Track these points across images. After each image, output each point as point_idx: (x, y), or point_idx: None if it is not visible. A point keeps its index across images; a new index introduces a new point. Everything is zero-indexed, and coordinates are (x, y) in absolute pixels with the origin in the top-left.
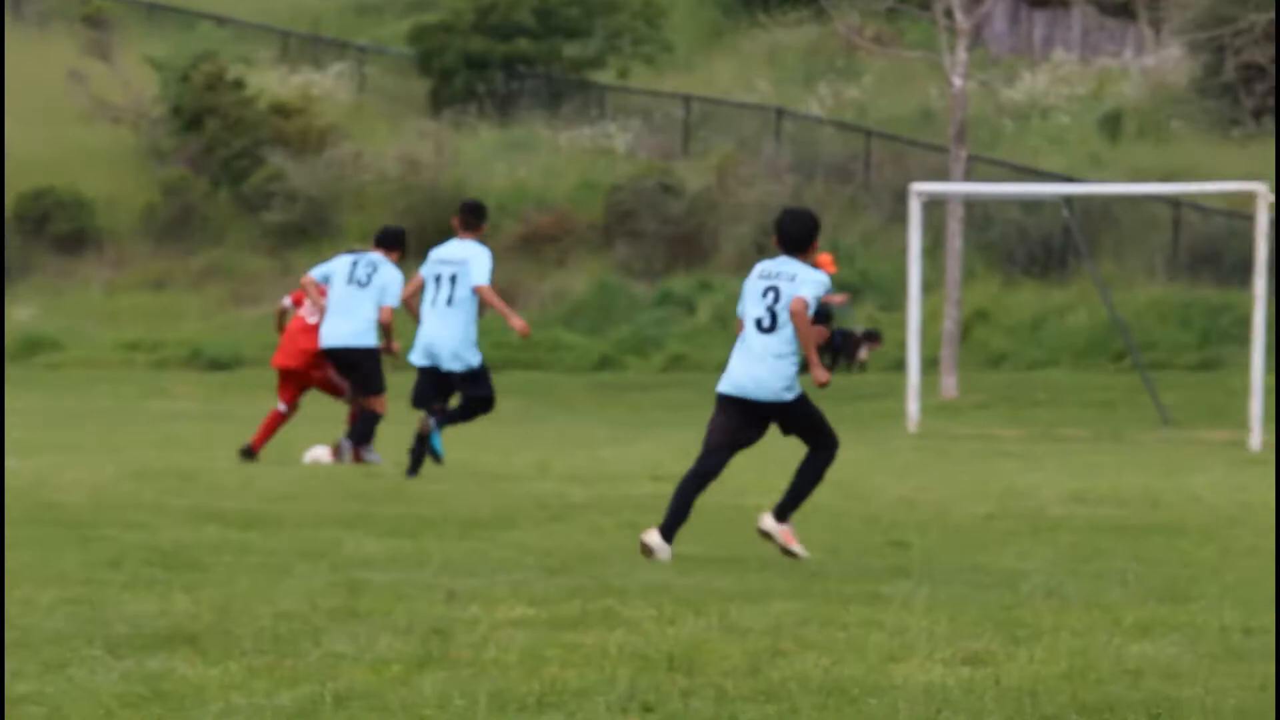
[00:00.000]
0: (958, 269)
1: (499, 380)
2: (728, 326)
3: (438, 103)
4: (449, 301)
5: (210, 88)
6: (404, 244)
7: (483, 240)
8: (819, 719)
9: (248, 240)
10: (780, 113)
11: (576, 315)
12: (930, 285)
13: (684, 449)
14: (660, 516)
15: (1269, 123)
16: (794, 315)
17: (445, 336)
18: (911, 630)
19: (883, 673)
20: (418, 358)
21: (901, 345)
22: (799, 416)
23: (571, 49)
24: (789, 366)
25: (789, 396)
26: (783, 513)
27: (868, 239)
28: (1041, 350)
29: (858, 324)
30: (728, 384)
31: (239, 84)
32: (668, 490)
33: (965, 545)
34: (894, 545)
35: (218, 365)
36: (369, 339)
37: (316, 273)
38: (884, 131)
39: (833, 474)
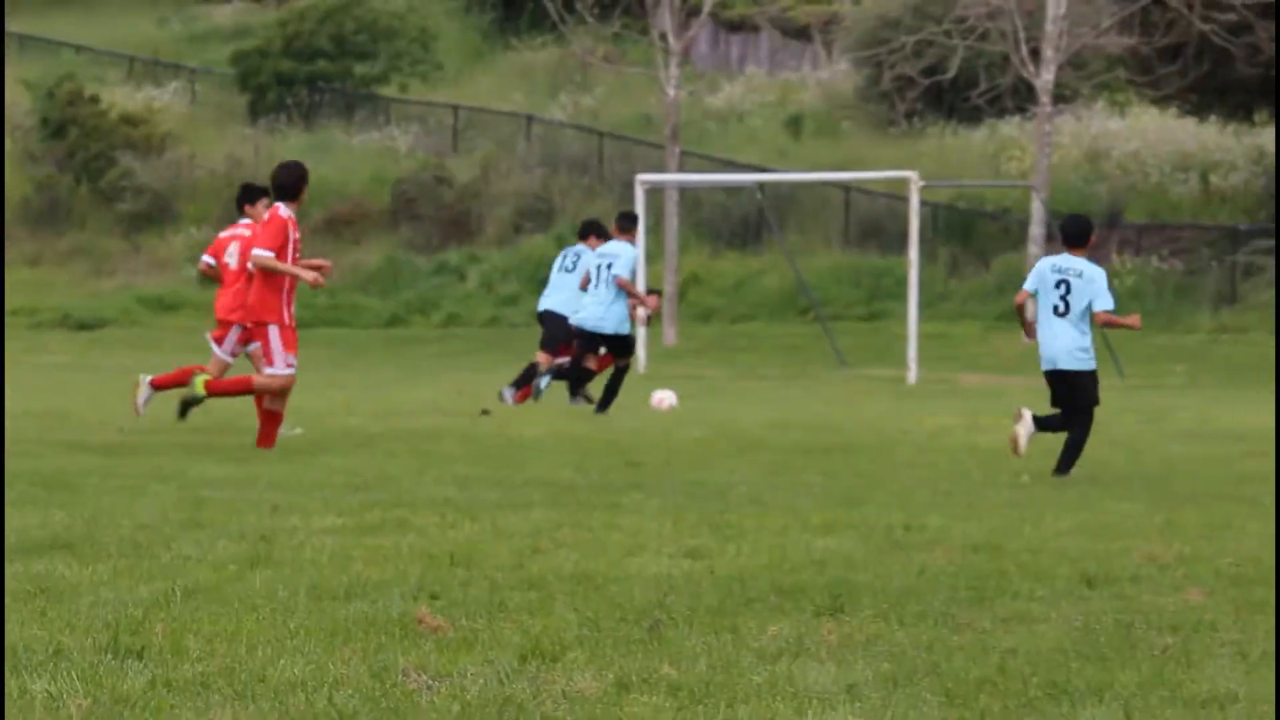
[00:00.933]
0: (675, 242)
1: (310, 335)
2: (493, 290)
3: (255, 113)
4: (608, 284)
5: (71, 103)
6: (600, 230)
7: (632, 241)
8: (571, 603)
9: (105, 226)
10: (530, 119)
11: (370, 283)
12: (653, 256)
13: (457, 389)
14: (439, 442)
15: (919, 123)
16: (1103, 324)
17: (597, 308)
18: (644, 531)
19: (621, 565)
20: (575, 320)
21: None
22: (1085, 385)
23: (362, 68)
24: (1084, 339)
25: (1090, 365)
26: (1060, 470)
27: (602, 221)
28: (743, 306)
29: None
30: (1045, 363)
31: (95, 100)
32: (448, 423)
33: (686, 463)
34: (630, 465)
35: (84, 326)
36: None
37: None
38: (614, 133)
39: (581, 408)
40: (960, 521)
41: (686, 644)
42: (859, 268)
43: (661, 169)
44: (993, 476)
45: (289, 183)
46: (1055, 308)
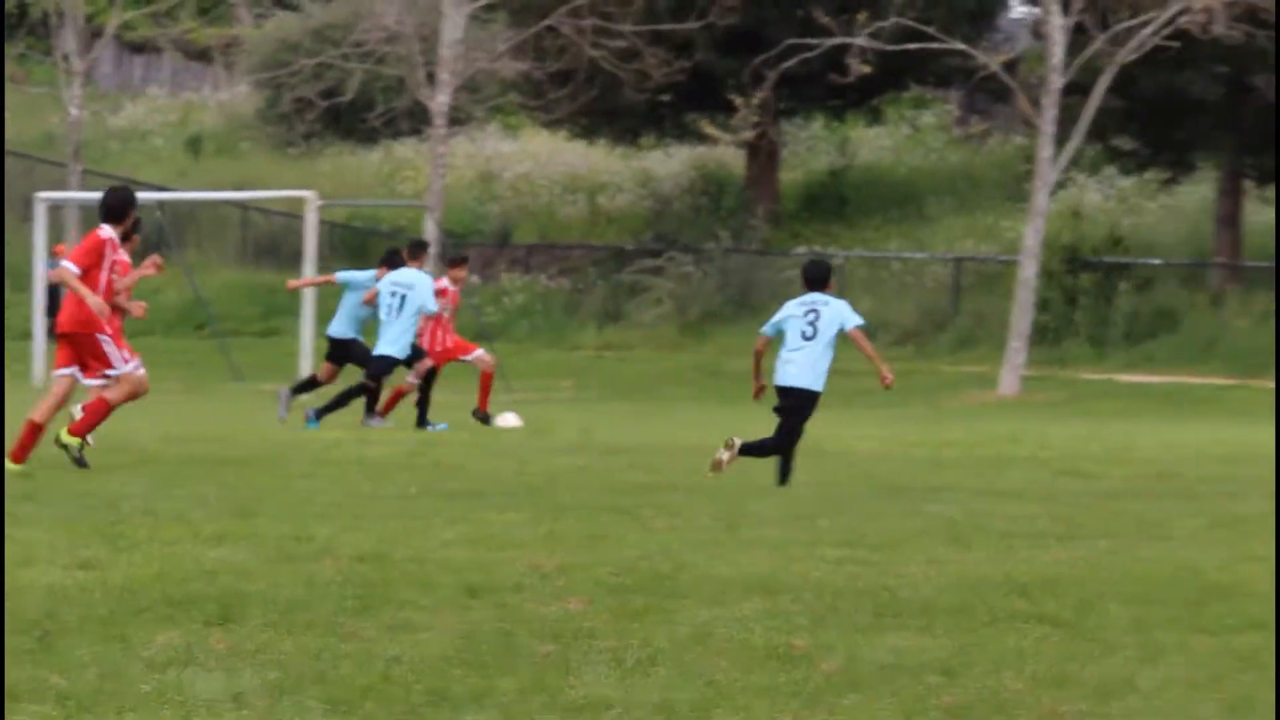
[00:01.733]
0: None
1: None
2: None
3: None
4: (398, 313)
5: None
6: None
7: (421, 268)
8: None
9: None
10: None
11: None
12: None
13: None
14: None
15: (318, 143)
16: (859, 342)
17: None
18: (36, 543)
19: (13, 576)
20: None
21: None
22: (807, 405)
23: None
24: (825, 362)
25: (819, 388)
26: (747, 451)
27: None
28: (142, 321)
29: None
30: (781, 379)
31: None
32: None
33: (78, 475)
34: (23, 476)
35: None
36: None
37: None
38: (16, 151)
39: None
40: (348, 532)
41: (76, 654)
42: (255, 284)
43: (64, 187)
44: (380, 489)
45: (115, 205)
46: (804, 333)
